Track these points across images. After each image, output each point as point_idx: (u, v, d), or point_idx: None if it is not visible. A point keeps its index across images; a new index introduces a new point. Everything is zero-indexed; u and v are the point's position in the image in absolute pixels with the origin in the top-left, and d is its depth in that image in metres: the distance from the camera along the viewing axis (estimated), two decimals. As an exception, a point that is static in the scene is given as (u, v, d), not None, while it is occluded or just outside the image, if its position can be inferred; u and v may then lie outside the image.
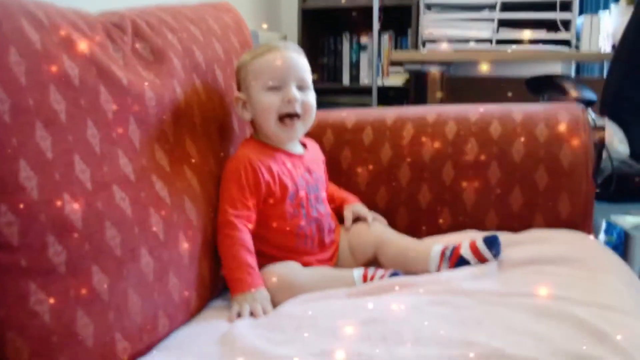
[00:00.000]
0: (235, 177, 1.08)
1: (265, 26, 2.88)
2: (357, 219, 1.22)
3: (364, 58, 2.97)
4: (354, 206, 1.24)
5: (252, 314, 0.97)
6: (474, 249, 1.06)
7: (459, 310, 0.87)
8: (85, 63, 0.87)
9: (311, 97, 1.14)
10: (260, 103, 1.10)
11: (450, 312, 0.87)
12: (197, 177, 1.05)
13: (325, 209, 1.18)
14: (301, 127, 1.14)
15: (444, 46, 2.40)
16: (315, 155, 1.23)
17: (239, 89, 1.17)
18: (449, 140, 1.27)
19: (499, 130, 1.24)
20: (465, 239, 1.09)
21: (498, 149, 1.23)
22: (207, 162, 1.10)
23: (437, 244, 1.10)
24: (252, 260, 1.04)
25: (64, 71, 0.83)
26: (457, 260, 1.06)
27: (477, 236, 1.10)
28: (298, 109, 1.11)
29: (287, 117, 1.12)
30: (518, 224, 1.22)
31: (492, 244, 1.06)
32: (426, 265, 1.07)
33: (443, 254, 1.08)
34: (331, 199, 1.26)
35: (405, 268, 1.08)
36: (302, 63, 1.14)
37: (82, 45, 0.89)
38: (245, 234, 1.05)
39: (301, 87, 1.12)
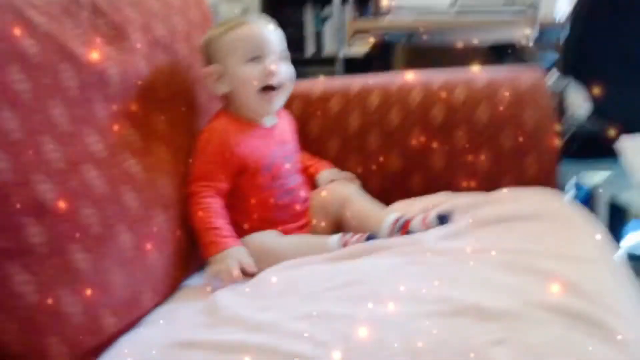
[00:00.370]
0: (206, 151, 1.09)
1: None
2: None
3: (327, 29, 2.96)
4: (329, 171, 1.26)
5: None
6: (425, 224, 1.07)
7: (434, 268, 0.89)
8: (43, 40, 0.85)
9: (289, 68, 1.15)
10: (240, 75, 1.11)
11: (426, 271, 0.88)
12: (168, 152, 1.06)
13: (298, 180, 1.19)
14: (280, 98, 1.15)
15: (406, 15, 2.42)
16: (287, 126, 1.24)
17: (208, 63, 1.15)
18: (415, 106, 1.28)
19: (463, 95, 1.26)
20: (419, 214, 1.11)
21: (463, 113, 1.26)
22: (177, 136, 1.10)
23: (392, 214, 1.13)
24: (223, 223, 1.04)
25: (21, 50, 0.81)
26: (406, 233, 1.08)
27: (431, 212, 1.10)
28: (278, 80, 1.12)
29: (269, 89, 1.12)
30: (488, 184, 1.24)
31: (444, 221, 1.07)
32: (378, 232, 1.09)
33: (394, 225, 1.09)
34: (304, 167, 1.27)
35: (362, 231, 1.09)
36: (276, 34, 1.15)
37: (38, 21, 0.86)
38: (214, 200, 1.06)
39: (279, 59, 1.13)
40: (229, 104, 1.17)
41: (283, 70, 1.13)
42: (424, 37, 2.62)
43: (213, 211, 1.04)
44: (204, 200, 1.05)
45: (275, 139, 1.17)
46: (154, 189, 0.99)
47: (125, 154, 0.95)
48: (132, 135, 0.99)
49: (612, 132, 1.46)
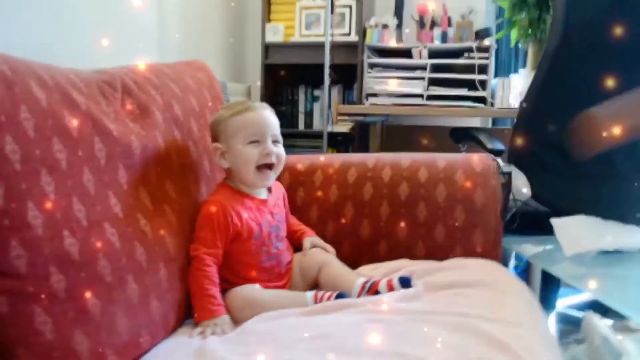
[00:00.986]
0: (209, 221, 1.10)
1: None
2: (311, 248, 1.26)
3: (316, 107, 3.01)
4: (312, 239, 1.27)
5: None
6: (390, 286, 1.10)
7: (391, 326, 0.91)
8: (82, 117, 0.91)
9: (282, 150, 1.18)
10: (241, 155, 1.14)
11: (385, 328, 0.90)
12: (174, 214, 1.08)
13: (283, 245, 1.21)
14: (273, 175, 1.18)
15: (384, 100, 2.50)
16: (277, 197, 1.25)
17: (215, 139, 1.18)
18: (385, 182, 1.32)
19: (425, 176, 1.30)
20: (385, 278, 1.13)
21: (425, 191, 1.29)
22: (183, 201, 1.13)
23: (361, 278, 1.15)
24: (216, 292, 1.06)
25: (64, 125, 0.86)
26: (374, 293, 1.10)
27: (394, 276, 1.13)
28: (274, 159, 1.15)
29: (265, 167, 1.15)
30: (441, 253, 1.27)
31: (405, 283, 1.10)
32: (350, 292, 1.11)
33: (364, 286, 1.12)
34: (292, 232, 1.29)
35: (335, 291, 1.10)
36: (275, 121, 1.18)
37: (80, 102, 0.92)
38: (213, 269, 1.08)
39: (275, 142, 1.17)
40: (229, 178, 1.20)
41: (278, 151, 1.16)
42: (398, 119, 2.72)
43: (211, 280, 1.06)
44: (206, 269, 1.06)
45: (266, 210, 1.19)
46: (160, 246, 1.00)
47: (139, 215, 0.97)
48: (146, 199, 1.01)
49: (548, 212, 1.52)
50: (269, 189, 1.23)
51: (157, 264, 0.98)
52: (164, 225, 1.04)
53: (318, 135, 2.83)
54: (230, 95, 2.47)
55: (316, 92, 3.03)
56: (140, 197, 1.00)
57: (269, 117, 1.16)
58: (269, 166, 1.15)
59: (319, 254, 1.23)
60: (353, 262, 1.27)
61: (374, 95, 2.46)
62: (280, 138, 1.19)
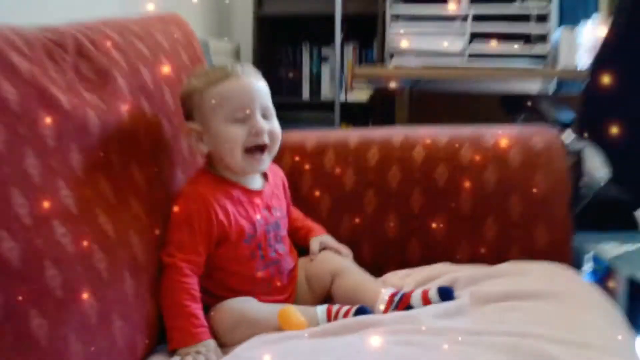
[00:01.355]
0: (187, 219, 1.09)
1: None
2: (321, 250, 1.25)
3: (325, 71, 3.01)
4: (322, 238, 1.27)
5: None
6: (425, 299, 1.09)
7: (427, 351, 0.90)
8: (23, 86, 0.89)
9: (276, 124, 1.16)
10: (224, 136, 1.11)
11: (419, 353, 0.89)
12: (144, 208, 1.07)
13: (284, 248, 1.20)
14: (268, 158, 1.16)
15: (412, 60, 2.48)
16: (276, 185, 1.25)
17: (189, 117, 1.16)
18: (417, 165, 1.31)
19: (469, 155, 1.29)
20: (419, 288, 1.14)
21: (469, 175, 1.28)
22: (155, 191, 1.13)
23: (387, 288, 1.15)
24: (197, 310, 1.05)
25: (1, 95, 0.84)
26: (405, 308, 1.09)
27: (431, 285, 1.14)
28: (266, 139, 1.13)
29: (255, 150, 1.13)
30: (492, 255, 1.25)
31: (446, 295, 1.09)
32: (373, 307, 1.10)
33: (392, 299, 1.11)
34: (295, 229, 1.29)
35: (354, 304, 1.10)
36: (264, 89, 1.16)
37: (21, 67, 0.90)
38: (192, 280, 1.06)
39: (265, 115, 1.14)
40: (210, 163, 1.18)
41: (270, 127, 1.14)
42: (430, 83, 2.70)
43: (190, 294, 1.05)
44: (184, 280, 1.05)
45: (261, 203, 1.18)
46: (125, 249, 1.00)
47: (98, 209, 0.96)
48: (107, 190, 1.00)
49: (633, 201, 1.49)
50: (264, 175, 1.22)
51: (121, 273, 0.96)
52: (130, 223, 1.03)
53: (328, 106, 2.85)
54: (214, 55, 2.44)
55: (325, 52, 3.01)
56: (99, 187, 0.99)
57: (256, 85, 1.14)
58: (261, 148, 1.13)
59: (332, 258, 1.22)
60: (376, 268, 1.26)
61: (399, 54, 2.45)
62: (272, 109, 1.16)
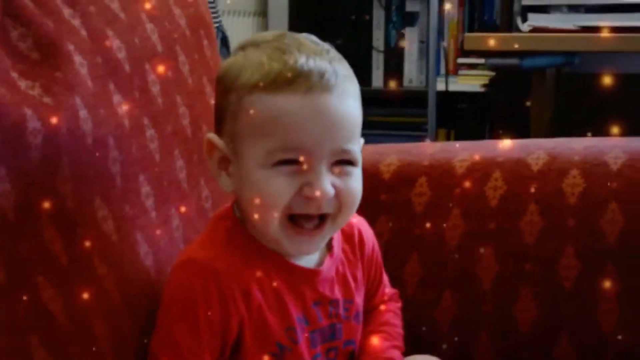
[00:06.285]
0: (187, 309, 1.03)
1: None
2: None
3: (412, 37, 3.02)
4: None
5: None
6: None
7: None
8: None
9: (355, 182, 1.07)
10: (257, 187, 1.04)
11: None
12: (118, 288, 1.07)
13: None
14: (329, 232, 1.08)
15: (563, 20, 2.44)
16: (345, 260, 1.17)
17: (219, 125, 1.11)
18: (571, 204, 1.28)
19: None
20: None
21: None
22: (135, 254, 1.12)
23: None
24: None
25: None
26: None
27: None
28: (327, 208, 1.05)
29: (303, 220, 1.06)
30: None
31: None
32: None
33: None
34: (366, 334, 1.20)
35: None
36: (350, 117, 1.06)
37: None
38: None
39: (339, 162, 1.05)
40: (238, 207, 1.12)
41: (344, 185, 1.06)
42: (598, 61, 2.64)
43: None
44: None
45: (313, 293, 1.11)
46: (84, 340, 1.00)
47: (41, 277, 0.97)
48: (53, 241, 0.99)
49: None
50: (329, 243, 1.13)
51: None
52: (92, 297, 1.02)
53: (416, 101, 2.79)
54: (227, 18, 2.45)
55: (410, 6, 2.99)
56: (44, 238, 0.98)
57: (337, 109, 1.06)
58: (314, 219, 1.06)
59: None
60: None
61: (540, 10, 2.42)
62: (355, 154, 1.08)
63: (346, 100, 1.06)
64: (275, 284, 1.08)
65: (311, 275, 1.11)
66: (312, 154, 1.03)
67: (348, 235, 1.18)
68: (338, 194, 1.04)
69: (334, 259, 1.14)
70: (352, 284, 1.15)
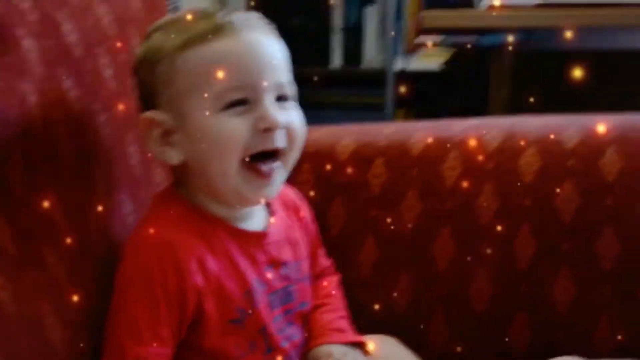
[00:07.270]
0: (143, 286, 1.02)
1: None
2: None
3: (370, 18, 2.99)
4: (338, 349, 1.16)
5: None
6: None
7: None
8: None
9: (297, 115, 1.08)
10: (212, 134, 1.04)
11: None
12: (63, 261, 1.06)
13: (301, 335, 1.15)
14: (281, 175, 1.08)
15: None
16: (288, 225, 1.18)
17: (147, 102, 1.09)
18: (527, 182, 1.28)
19: (617, 167, 1.27)
20: None
21: (614, 200, 1.25)
22: (83, 232, 1.09)
23: None
24: None
25: None
26: None
27: None
28: (281, 141, 1.06)
29: (263, 159, 1.06)
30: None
31: None
32: None
33: None
34: (315, 307, 1.23)
35: None
36: (280, 53, 1.08)
37: None
38: None
39: (281, 97, 1.07)
40: (181, 184, 1.11)
41: (288, 118, 1.06)
42: (558, 38, 2.65)
43: None
44: None
45: (264, 256, 1.11)
46: (34, 331, 0.97)
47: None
48: (2, 229, 0.97)
49: None
50: (269, 205, 1.15)
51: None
52: (41, 286, 1.00)
53: (374, 80, 2.78)
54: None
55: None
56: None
57: (267, 45, 1.07)
58: (273, 155, 1.07)
59: None
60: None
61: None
62: (291, 88, 1.08)
63: (273, 38, 1.10)
64: (228, 249, 1.09)
65: (259, 237, 1.12)
66: (256, 89, 1.05)
67: (284, 201, 1.20)
68: (287, 127, 1.08)
69: (277, 222, 1.15)
70: (298, 246, 1.18)
